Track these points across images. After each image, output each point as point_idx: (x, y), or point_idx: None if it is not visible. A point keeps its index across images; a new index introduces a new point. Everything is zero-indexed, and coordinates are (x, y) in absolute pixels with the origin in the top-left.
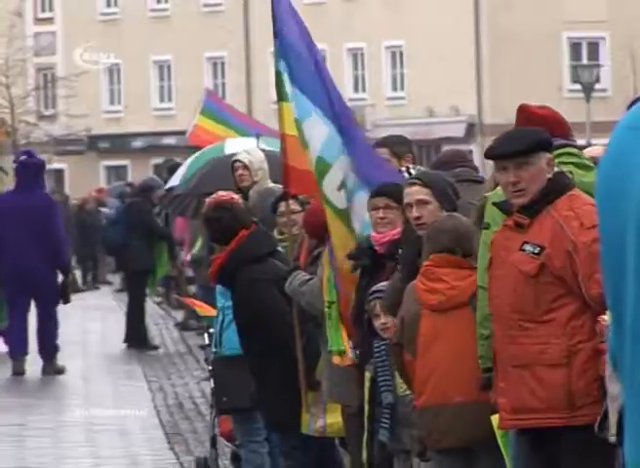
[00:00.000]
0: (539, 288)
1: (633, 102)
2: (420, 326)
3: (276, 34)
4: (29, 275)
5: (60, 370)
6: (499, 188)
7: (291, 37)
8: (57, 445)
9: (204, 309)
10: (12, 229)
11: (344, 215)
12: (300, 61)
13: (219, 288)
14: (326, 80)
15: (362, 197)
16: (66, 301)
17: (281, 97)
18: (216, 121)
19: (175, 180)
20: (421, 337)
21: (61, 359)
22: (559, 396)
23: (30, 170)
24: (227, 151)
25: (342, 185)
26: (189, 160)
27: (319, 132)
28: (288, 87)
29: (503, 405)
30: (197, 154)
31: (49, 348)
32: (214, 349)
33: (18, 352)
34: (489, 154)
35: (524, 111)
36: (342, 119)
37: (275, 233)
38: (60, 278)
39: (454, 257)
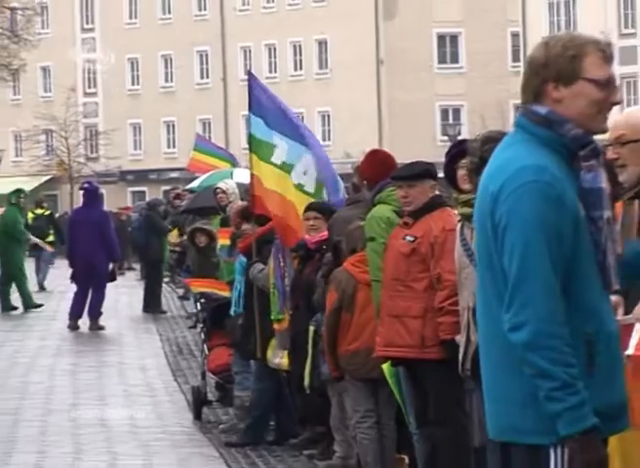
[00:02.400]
0: (409, 264)
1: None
2: (357, 295)
3: (251, 106)
4: (92, 265)
5: (101, 327)
6: (376, 209)
7: (264, 103)
8: (99, 378)
9: (211, 286)
10: (81, 234)
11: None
12: (273, 115)
13: (237, 267)
14: (294, 120)
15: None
16: (113, 280)
17: (251, 149)
18: (206, 154)
19: (194, 183)
20: (358, 302)
21: (102, 320)
22: (416, 338)
23: (92, 193)
24: (235, 178)
25: (305, 172)
26: (208, 175)
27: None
28: (265, 136)
29: (379, 341)
30: (210, 174)
31: (95, 312)
32: (234, 308)
33: (76, 315)
34: (393, 176)
35: (376, 153)
36: (309, 139)
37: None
38: (111, 266)
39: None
